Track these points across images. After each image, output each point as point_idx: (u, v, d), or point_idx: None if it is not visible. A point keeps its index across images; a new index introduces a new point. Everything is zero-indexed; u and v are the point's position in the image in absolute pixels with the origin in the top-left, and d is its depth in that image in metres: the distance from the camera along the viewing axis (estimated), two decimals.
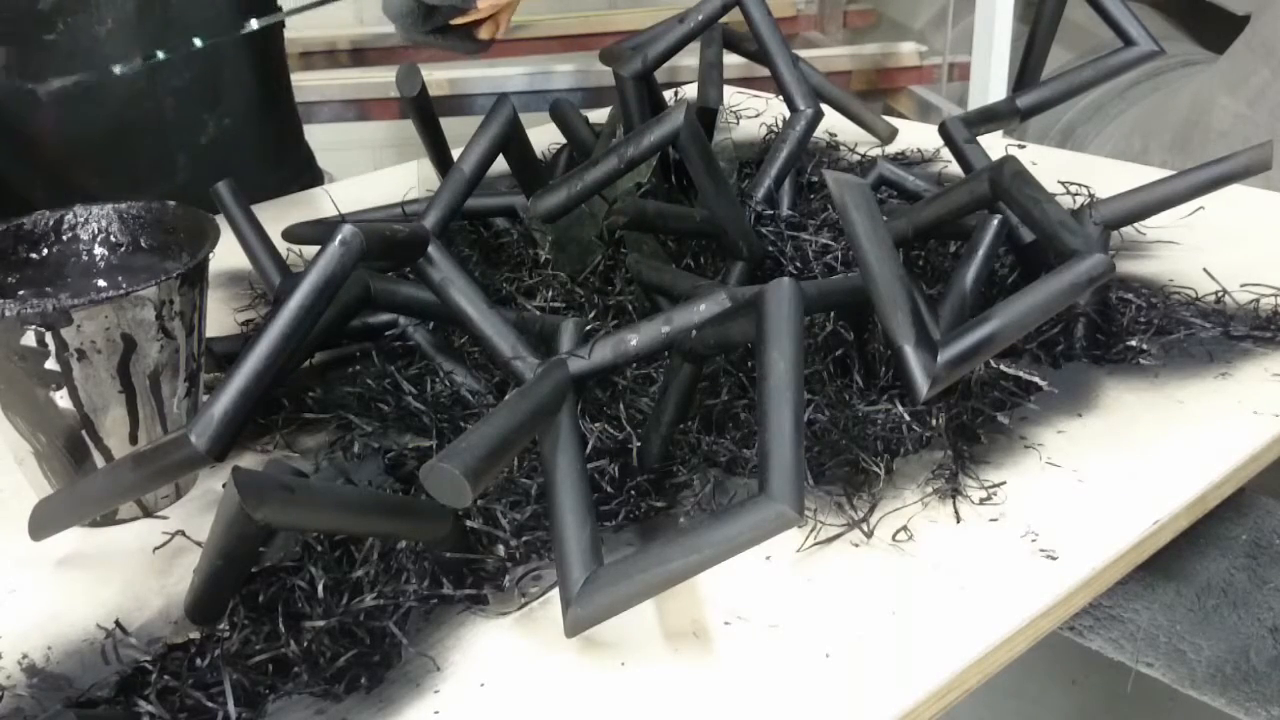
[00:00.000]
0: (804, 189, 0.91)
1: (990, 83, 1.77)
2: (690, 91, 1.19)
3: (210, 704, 0.45)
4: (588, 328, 0.64)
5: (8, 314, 0.52)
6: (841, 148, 1.06)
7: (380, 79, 2.09)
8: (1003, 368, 0.66)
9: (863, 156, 1.03)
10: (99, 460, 0.57)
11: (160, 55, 0.90)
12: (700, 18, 0.88)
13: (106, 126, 0.99)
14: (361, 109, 2.10)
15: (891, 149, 1.07)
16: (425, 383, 0.66)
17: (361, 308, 0.66)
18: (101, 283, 0.63)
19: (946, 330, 0.57)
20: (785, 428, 0.45)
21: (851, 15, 2.79)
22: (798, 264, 0.75)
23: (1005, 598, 0.51)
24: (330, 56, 2.31)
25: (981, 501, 0.58)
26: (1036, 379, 0.65)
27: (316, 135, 1.24)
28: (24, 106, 0.97)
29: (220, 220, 0.64)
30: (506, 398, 0.52)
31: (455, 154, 0.72)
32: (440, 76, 2.02)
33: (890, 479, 0.59)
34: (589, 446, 0.58)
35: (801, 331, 0.48)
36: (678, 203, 0.81)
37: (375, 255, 0.56)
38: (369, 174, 1.19)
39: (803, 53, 1.57)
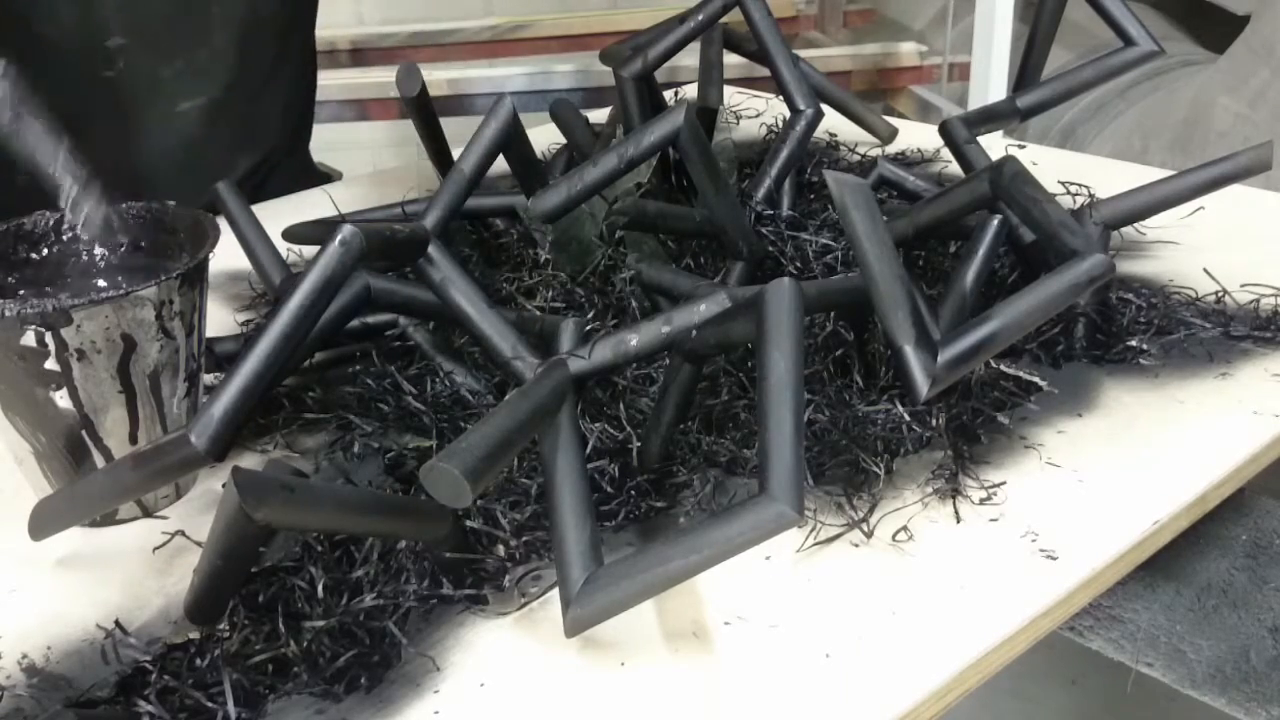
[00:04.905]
0: (804, 189, 0.91)
1: (990, 83, 1.77)
2: (690, 91, 1.19)
3: (210, 704, 0.45)
4: (588, 328, 0.64)
5: (8, 314, 0.52)
6: (841, 148, 1.06)
7: (380, 79, 2.09)
8: (1003, 368, 0.66)
9: (863, 156, 1.03)
10: (99, 460, 0.57)
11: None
12: (700, 18, 0.88)
13: (148, 160, 1.00)
14: (361, 109, 2.10)
15: (891, 149, 1.07)
16: (425, 383, 0.66)
17: (361, 308, 0.66)
18: (101, 283, 0.63)
19: (946, 330, 0.57)
20: (785, 428, 0.45)
21: (851, 15, 2.79)
22: (798, 264, 0.75)
23: (1005, 598, 0.51)
24: (330, 56, 2.31)
25: (981, 501, 0.58)
26: (1036, 379, 0.65)
27: (317, 135, 1.24)
28: (71, 130, 0.98)
29: (220, 220, 0.64)
30: (506, 398, 0.52)
31: (455, 154, 0.72)
32: (440, 76, 2.02)
33: (890, 479, 0.59)
34: (589, 446, 0.58)
35: (801, 331, 0.48)
36: (678, 203, 0.81)
37: (375, 255, 0.56)
38: (369, 174, 1.20)
39: (803, 53, 1.57)
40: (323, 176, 1.23)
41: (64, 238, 0.63)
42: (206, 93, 1.01)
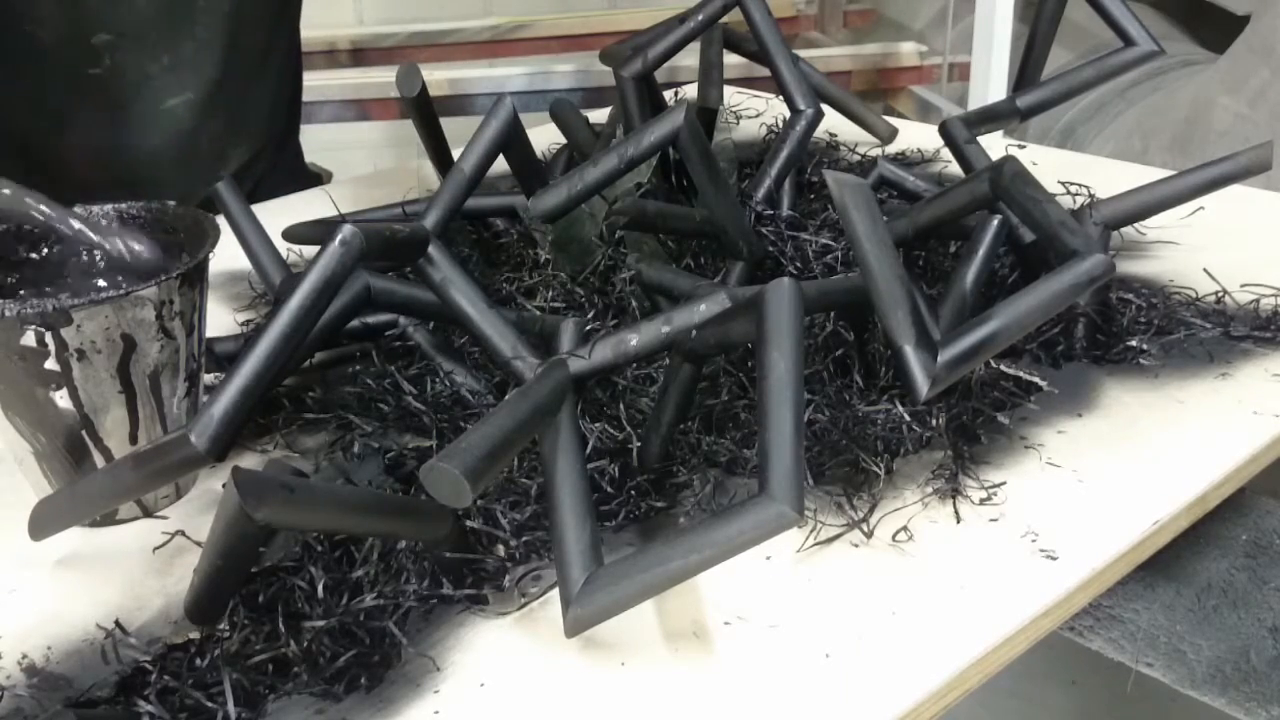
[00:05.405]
0: (804, 189, 0.91)
1: (990, 83, 1.77)
2: (690, 91, 1.19)
3: (210, 704, 0.45)
4: (588, 328, 0.64)
5: (8, 314, 0.52)
6: (841, 148, 1.06)
7: (380, 79, 2.09)
8: (1003, 368, 0.66)
9: (863, 156, 1.03)
10: (99, 460, 0.57)
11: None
12: (700, 18, 0.88)
13: (138, 157, 1.00)
14: (361, 109, 2.10)
15: (891, 149, 1.07)
16: (425, 383, 0.66)
17: (361, 308, 0.66)
18: (101, 283, 0.63)
19: (946, 330, 0.57)
20: (785, 428, 0.45)
21: (851, 15, 2.79)
22: (798, 264, 0.75)
23: (1005, 598, 0.51)
24: (330, 56, 2.31)
25: (981, 501, 0.58)
26: (1036, 379, 0.65)
27: (316, 135, 1.25)
28: (56, 134, 0.98)
29: (220, 220, 0.64)
30: (506, 398, 0.52)
31: (455, 154, 0.72)
32: (440, 76, 2.02)
33: (890, 479, 0.59)
34: (589, 446, 0.58)
35: (801, 331, 0.48)
36: (678, 203, 0.81)
37: (375, 255, 0.56)
38: (369, 174, 1.20)
39: (803, 53, 1.57)
40: (314, 176, 1.23)
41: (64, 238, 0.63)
42: (193, 88, 1.01)
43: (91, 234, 0.60)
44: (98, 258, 0.63)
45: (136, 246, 0.61)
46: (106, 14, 0.94)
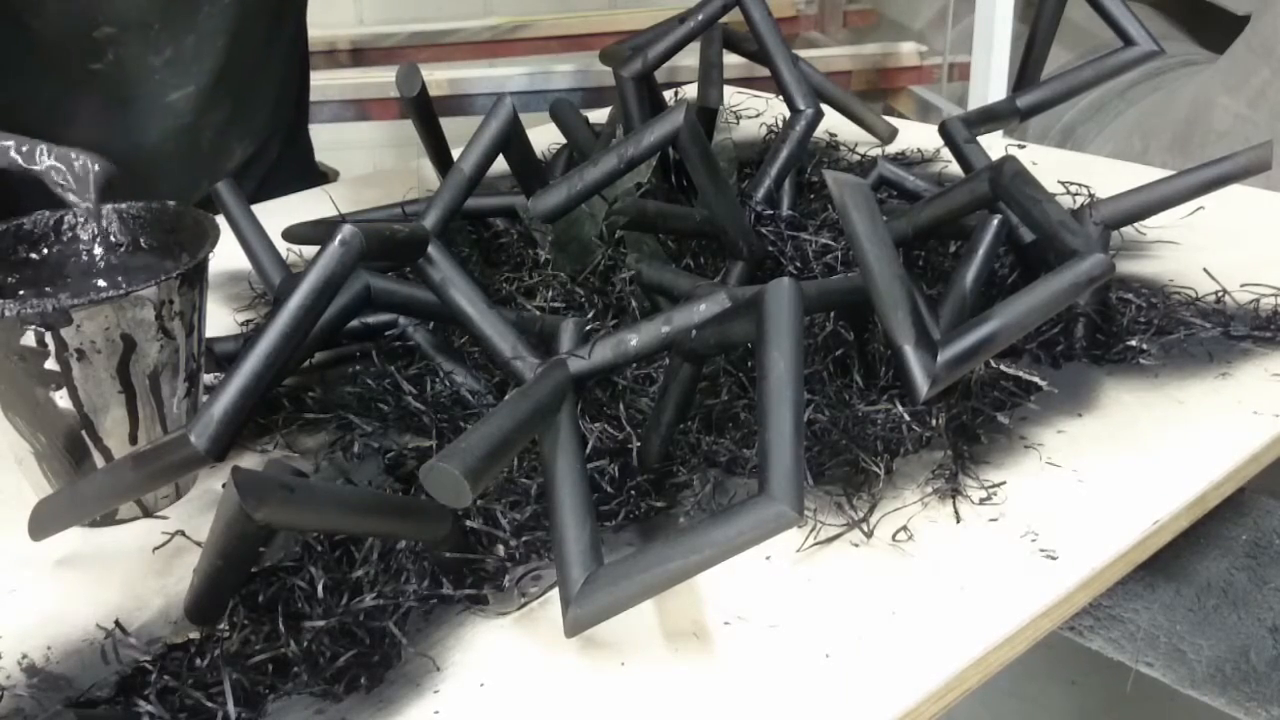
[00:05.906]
0: (804, 189, 0.91)
1: (990, 83, 1.77)
2: (690, 91, 1.19)
3: (210, 704, 0.45)
4: (588, 328, 0.64)
5: (8, 314, 0.52)
6: (841, 148, 1.06)
7: (380, 79, 2.09)
8: (1003, 368, 0.66)
9: (863, 156, 1.03)
10: (99, 460, 0.57)
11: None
12: (700, 18, 0.89)
13: (140, 154, 1.00)
14: (361, 109, 2.10)
15: (891, 149, 1.07)
16: (425, 383, 0.66)
17: (361, 308, 0.66)
18: (101, 283, 0.63)
19: (946, 330, 0.57)
20: (785, 428, 0.45)
21: (851, 15, 2.79)
22: (798, 264, 0.75)
23: (1005, 598, 0.51)
24: (330, 56, 2.31)
25: (981, 501, 0.58)
26: (1036, 379, 0.65)
27: (317, 135, 1.25)
28: (57, 130, 0.98)
29: (220, 220, 0.64)
30: (506, 398, 0.52)
31: (455, 154, 0.72)
32: (440, 76, 2.02)
33: (890, 479, 0.59)
34: (589, 446, 0.58)
35: (801, 331, 0.48)
36: (678, 203, 0.81)
37: (375, 255, 0.56)
38: (369, 174, 1.20)
39: (803, 53, 1.57)
40: (321, 174, 1.23)
41: (64, 238, 0.63)
42: (195, 81, 1.00)
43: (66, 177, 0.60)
44: (97, 257, 0.63)
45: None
46: (108, 7, 0.94)
